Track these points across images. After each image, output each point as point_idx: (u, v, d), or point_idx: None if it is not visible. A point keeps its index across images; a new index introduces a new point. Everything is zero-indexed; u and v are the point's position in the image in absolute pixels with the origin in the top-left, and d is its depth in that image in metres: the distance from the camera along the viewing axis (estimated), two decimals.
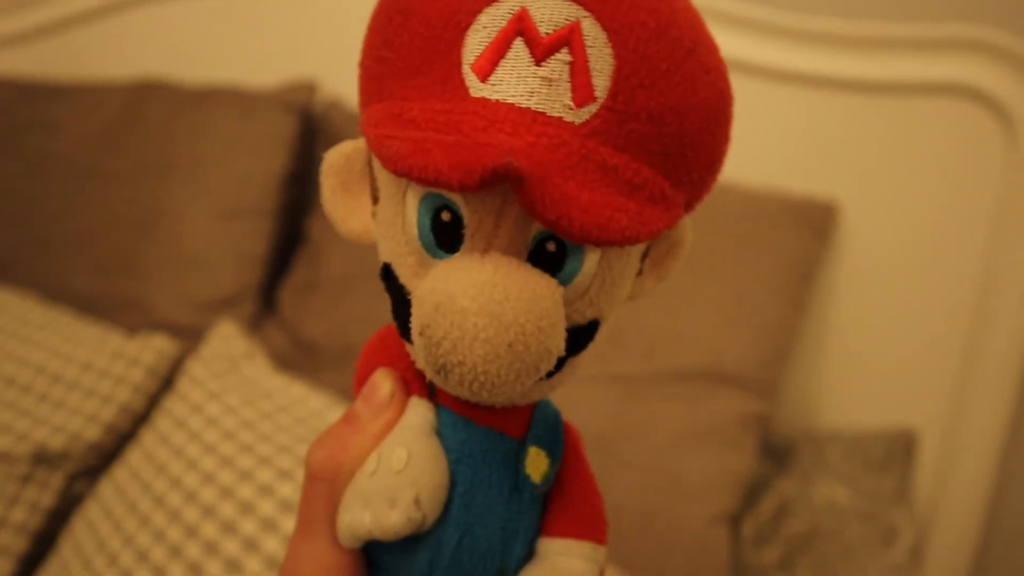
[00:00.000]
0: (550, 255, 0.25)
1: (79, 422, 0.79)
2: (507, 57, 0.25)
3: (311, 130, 1.06)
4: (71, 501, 0.80)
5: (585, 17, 0.25)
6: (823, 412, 0.97)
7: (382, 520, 0.25)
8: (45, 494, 0.79)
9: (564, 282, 0.26)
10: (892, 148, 0.89)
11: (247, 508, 0.65)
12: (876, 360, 0.94)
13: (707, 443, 0.80)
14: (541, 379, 0.26)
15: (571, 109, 0.25)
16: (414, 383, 0.28)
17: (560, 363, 0.26)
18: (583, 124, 0.25)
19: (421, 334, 0.24)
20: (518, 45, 0.25)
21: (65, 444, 0.78)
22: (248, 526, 0.64)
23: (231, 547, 0.63)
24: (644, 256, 0.29)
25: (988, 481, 0.91)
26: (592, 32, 0.25)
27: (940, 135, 0.87)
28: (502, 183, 0.22)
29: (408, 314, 0.26)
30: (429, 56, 0.25)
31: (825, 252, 0.91)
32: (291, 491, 0.65)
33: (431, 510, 0.26)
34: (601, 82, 0.25)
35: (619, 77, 0.25)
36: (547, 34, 0.24)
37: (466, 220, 0.25)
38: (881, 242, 0.91)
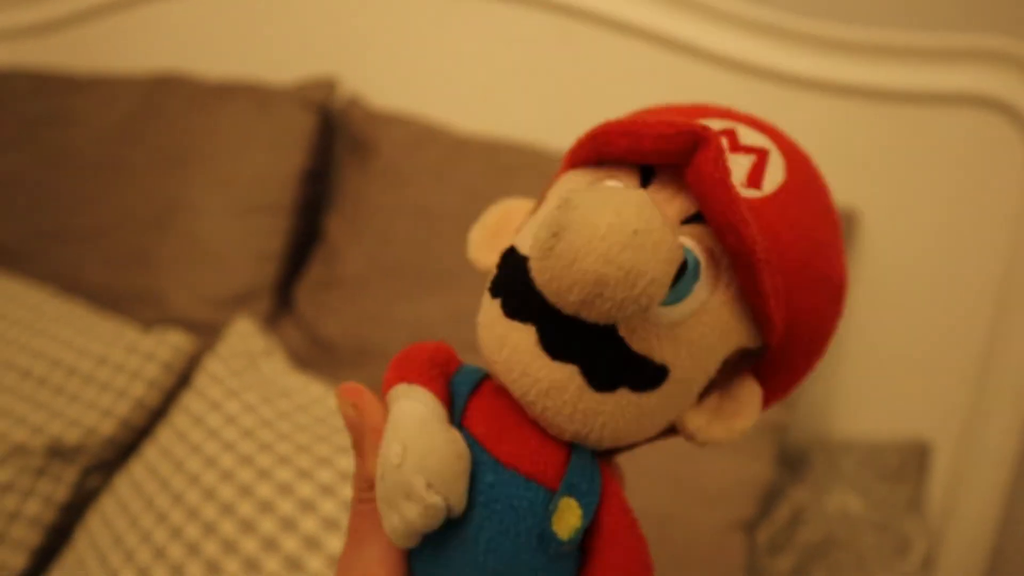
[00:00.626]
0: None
1: (94, 416, 0.79)
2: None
3: (330, 127, 1.06)
4: (85, 495, 0.80)
5: (773, 149, 0.30)
6: (837, 420, 0.97)
7: (406, 515, 0.26)
8: (59, 488, 0.79)
9: (669, 300, 0.26)
10: (911, 156, 0.89)
11: (266, 507, 0.65)
12: (891, 369, 0.94)
13: (725, 449, 0.79)
14: (640, 388, 0.26)
15: (743, 186, 0.28)
16: (442, 399, 0.28)
17: (615, 383, 0.26)
18: (764, 199, 0.28)
19: (553, 235, 0.24)
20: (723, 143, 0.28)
21: (80, 438, 0.78)
22: (267, 525, 0.64)
23: (250, 546, 0.63)
24: (717, 376, 0.28)
25: (1001, 492, 0.91)
26: (776, 161, 0.29)
27: (959, 144, 0.87)
28: (687, 151, 0.26)
29: (518, 278, 0.27)
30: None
31: None
32: (310, 491, 0.65)
33: (450, 489, 0.26)
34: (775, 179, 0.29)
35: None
36: (744, 144, 0.29)
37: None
38: (899, 251, 0.91)
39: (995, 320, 0.89)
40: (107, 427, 0.79)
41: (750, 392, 0.29)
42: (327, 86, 1.04)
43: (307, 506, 0.64)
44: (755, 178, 0.28)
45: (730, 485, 0.78)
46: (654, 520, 0.74)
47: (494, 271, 0.29)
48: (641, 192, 0.24)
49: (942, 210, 0.89)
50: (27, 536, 0.77)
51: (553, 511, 0.26)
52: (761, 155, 0.29)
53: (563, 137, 0.37)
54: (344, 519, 0.63)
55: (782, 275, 0.27)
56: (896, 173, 0.90)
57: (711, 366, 0.28)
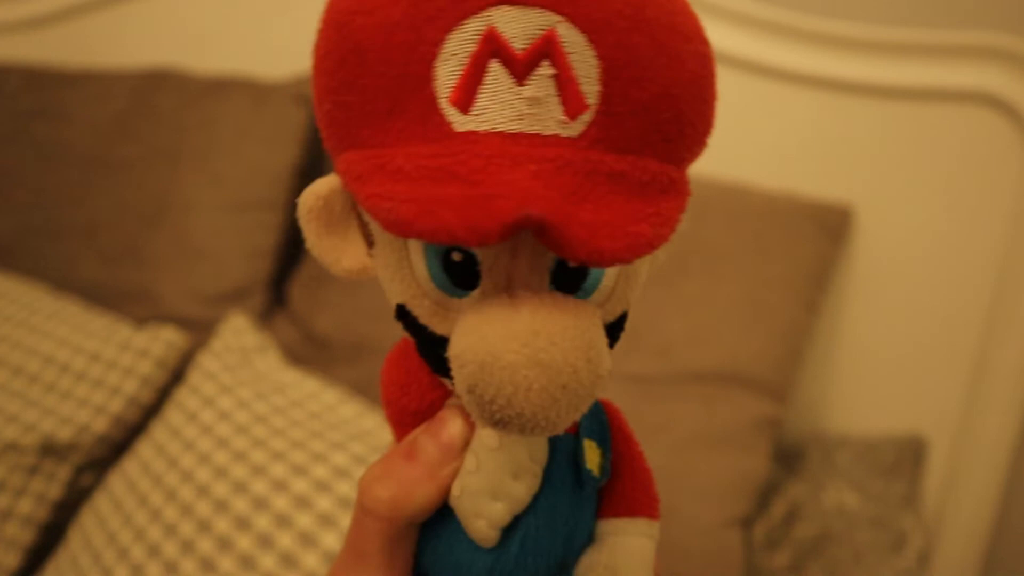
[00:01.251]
0: (572, 271, 0.25)
1: (87, 413, 0.79)
2: (485, 83, 0.23)
3: None
4: (78, 493, 0.79)
5: (559, 22, 0.23)
6: (833, 416, 0.97)
7: (514, 495, 0.26)
8: (52, 486, 0.78)
9: (591, 290, 0.25)
10: (908, 153, 0.89)
11: (260, 504, 0.64)
12: (886, 365, 0.94)
13: (722, 445, 0.79)
14: None
15: (565, 124, 0.23)
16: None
17: None
18: (580, 136, 0.23)
19: (470, 392, 0.23)
20: (494, 67, 0.23)
21: (73, 435, 0.78)
22: (261, 522, 0.63)
23: (244, 543, 0.63)
24: None
25: (997, 487, 0.91)
26: (569, 37, 0.23)
27: (956, 141, 0.87)
28: (521, 230, 0.21)
29: (436, 351, 0.25)
30: (399, 95, 0.23)
31: (839, 256, 0.91)
32: (305, 487, 0.65)
33: (543, 457, 0.26)
34: (590, 88, 0.23)
35: (608, 78, 0.23)
36: (523, 49, 0.23)
37: (480, 257, 0.24)
38: (895, 247, 0.91)
39: (991, 316, 0.89)
40: (100, 424, 0.79)
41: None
42: None
43: (302, 503, 0.64)
44: (571, 101, 0.23)
45: (726, 481, 0.78)
46: None
47: (366, 274, 0.28)
48: (548, 326, 0.23)
49: (938, 206, 0.89)
50: (20, 535, 0.76)
51: (582, 453, 0.27)
52: (555, 57, 0.23)
53: None
54: (339, 515, 0.63)
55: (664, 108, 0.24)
56: (893, 169, 0.90)
57: (648, 260, 0.28)
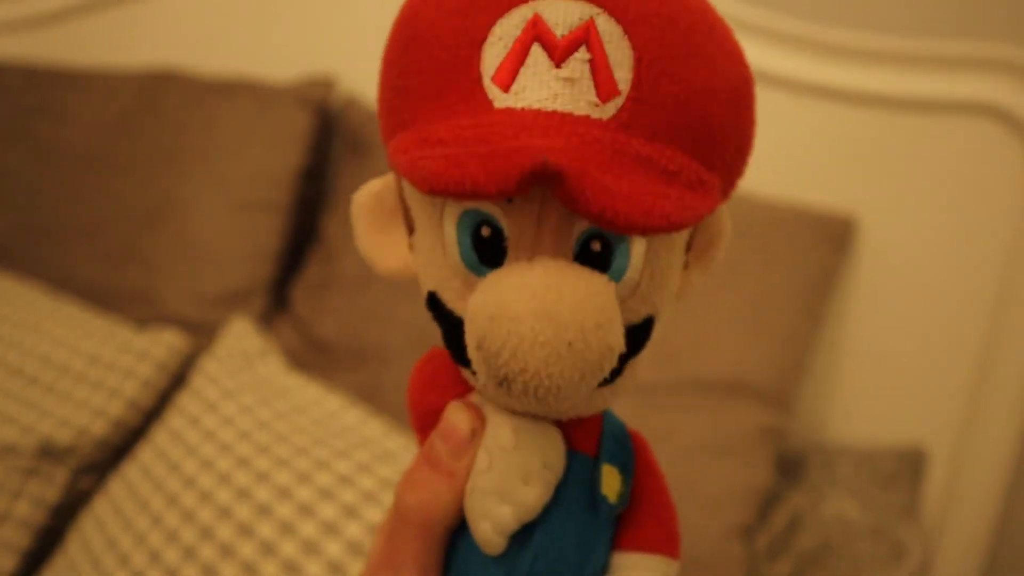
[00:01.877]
0: (596, 255, 0.25)
1: (86, 416, 0.78)
2: (526, 65, 0.25)
3: (327, 126, 1.05)
4: (76, 497, 0.79)
5: (598, 14, 0.25)
6: (833, 426, 0.97)
7: (523, 501, 0.26)
8: (50, 489, 0.78)
9: (615, 278, 0.25)
10: (911, 163, 0.89)
11: (264, 510, 0.64)
12: (888, 375, 0.94)
13: (724, 454, 0.79)
14: (604, 384, 0.25)
15: (597, 106, 0.24)
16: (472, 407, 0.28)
17: (621, 364, 0.26)
18: (611, 119, 0.24)
19: (478, 348, 0.24)
20: (536, 51, 0.25)
21: (71, 438, 0.77)
22: (265, 529, 0.63)
23: (247, 550, 0.62)
24: (688, 248, 0.29)
25: (996, 499, 0.91)
26: (607, 27, 0.25)
27: (959, 152, 0.87)
28: (540, 184, 0.22)
29: (461, 338, 0.25)
30: (448, 76, 0.25)
31: (842, 265, 0.91)
32: (308, 495, 0.64)
33: (558, 467, 0.26)
34: (623, 75, 0.25)
35: (640, 67, 0.25)
36: (563, 36, 0.25)
37: (507, 231, 0.25)
38: (897, 256, 0.91)
39: (992, 327, 0.89)
40: (99, 427, 0.78)
41: (713, 218, 0.29)
42: (325, 84, 1.03)
43: (306, 510, 0.63)
44: (604, 85, 0.25)
45: (729, 490, 0.78)
46: None
47: (407, 273, 0.29)
48: (559, 282, 0.23)
49: (941, 217, 0.89)
50: (15, 538, 0.75)
51: (599, 477, 0.27)
52: (592, 44, 0.25)
53: None
54: (342, 523, 0.63)
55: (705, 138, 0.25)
56: (896, 179, 0.90)
57: (678, 264, 0.27)
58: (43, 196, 1.03)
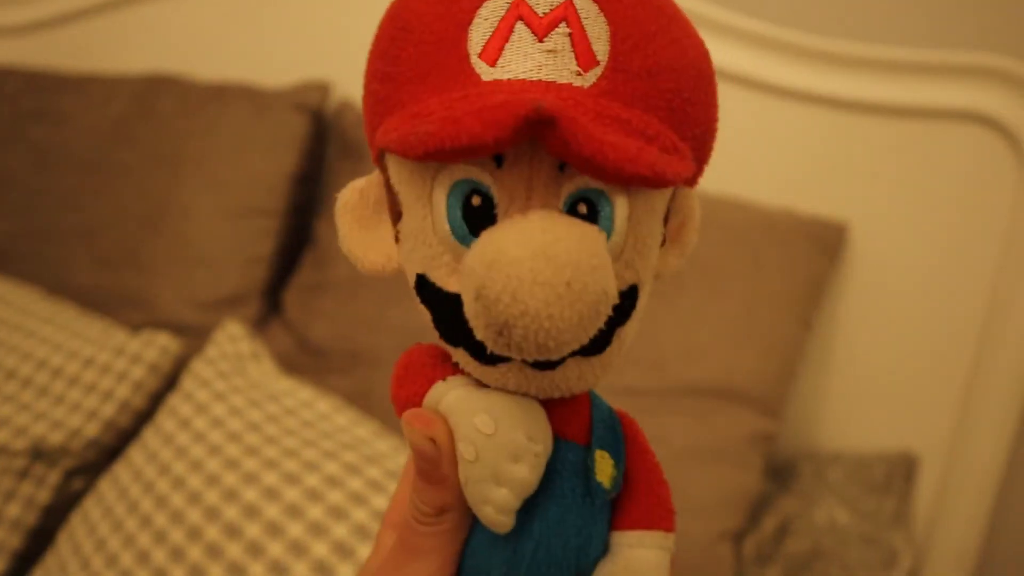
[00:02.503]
0: (582, 217, 0.26)
1: (79, 418, 0.78)
2: (511, 41, 0.26)
3: (323, 131, 1.05)
4: (68, 498, 0.79)
5: None
6: (825, 432, 0.97)
7: (516, 478, 0.26)
8: (41, 490, 0.78)
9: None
10: (904, 171, 0.90)
11: (252, 511, 0.64)
12: (879, 381, 0.94)
13: (714, 460, 0.79)
14: (593, 353, 0.26)
15: (579, 75, 0.26)
16: None
17: (609, 334, 0.27)
18: (592, 86, 0.26)
19: (477, 298, 0.24)
20: (520, 28, 0.26)
21: (64, 440, 0.77)
22: (252, 530, 0.63)
23: (235, 550, 0.63)
24: (664, 222, 0.29)
25: (987, 506, 0.91)
26: (584, 6, 0.26)
27: (952, 160, 0.88)
28: (534, 133, 0.23)
29: (451, 314, 0.26)
30: (436, 58, 0.26)
31: (834, 272, 0.91)
32: (296, 496, 0.65)
33: (544, 437, 0.27)
34: (601, 47, 0.26)
35: (616, 40, 0.26)
36: (544, 14, 0.26)
37: (497, 197, 0.26)
38: (889, 264, 0.92)
39: (983, 334, 0.89)
40: (92, 429, 0.78)
41: (684, 200, 0.30)
42: (320, 89, 1.04)
43: (293, 511, 0.64)
44: (584, 55, 0.26)
45: (719, 495, 0.78)
46: None
47: (389, 267, 0.30)
48: (554, 226, 0.24)
49: (933, 225, 0.90)
50: (7, 539, 0.75)
51: (592, 464, 0.28)
52: (571, 20, 0.26)
53: None
54: (330, 525, 0.63)
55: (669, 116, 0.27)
56: (888, 187, 0.91)
57: (658, 234, 0.28)
58: (40, 200, 1.03)
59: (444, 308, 0.27)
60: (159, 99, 1.05)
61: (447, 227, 0.26)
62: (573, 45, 0.26)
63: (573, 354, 0.26)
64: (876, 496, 0.89)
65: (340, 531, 0.62)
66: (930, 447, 0.93)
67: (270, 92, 1.03)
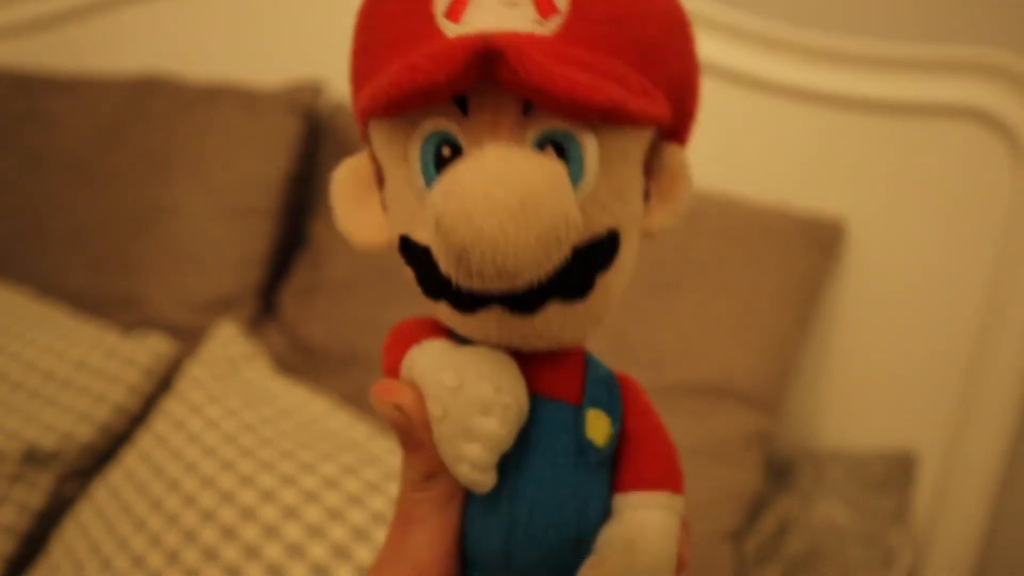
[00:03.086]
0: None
1: (71, 421, 0.78)
2: (473, 0, 0.26)
3: (315, 132, 1.05)
4: (61, 503, 0.78)
5: None
6: (823, 430, 0.97)
7: (487, 432, 0.25)
8: (34, 495, 0.77)
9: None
10: (900, 168, 0.90)
11: (248, 514, 0.63)
12: (877, 379, 0.94)
13: (713, 459, 0.79)
14: (576, 298, 0.26)
15: (540, 23, 0.26)
16: None
17: (591, 280, 0.26)
18: (554, 34, 0.26)
19: (437, 229, 0.24)
20: None
21: (56, 443, 0.77)
22: (249, 532, 0.63)
23: (231, 553, 0.62)
24: (647, 174, 0.29)
25: (986, 504, 0.91)
26: None
27: (948, 156, 0.88)
28: (487, 68, 0.23)
29: (430, 266, 0.26)
30: (405, 23, 0.27)
31: (831, 270, 0.91)
32: (292, 497, 0.64)
33: (515, 389, 0.26)
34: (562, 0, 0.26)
35: None
36: None
37: (464, 146, 0.26)
38: (886, 261, 0.91)
39: (981, 331, 0.89)
40: (85, 433, 0.78)
41: (672, 157, 0.29)
42: (313, 89, 1.03)
43: (290, 513, 0.63)
44: (544, 4, 0.26)
45: (717, 495, 0.78)
46: None
47: (381, 238, 0.29)
48: (509, 155, 0.24)
49: (930, 221, 0.89)
50: (0, 544, 0.75)
51: (583, 422, 0.27)
52: None
53: None
54: (327, 527, 0.62)
55: (636, 58, 0.26)
56: (884, 184, 0.90)
57: (637, 181, 0.28)
58: (32, 202, 1.03)
59: (423, 261, 0.27)
60: (150, 100, 1.04)
61: (421, 181, 0.26)
62: None
63: (553, 299, 0.26)
64: (875, 494, 0.89)
65: (338, 533, 0.62)
66: (929, 445, 0.93)
67: (262, 92, 1.03)
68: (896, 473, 0.91)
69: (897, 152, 0.89)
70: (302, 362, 0.90)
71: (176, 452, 0.69)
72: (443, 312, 0.28)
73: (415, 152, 0.26)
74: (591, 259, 0.26)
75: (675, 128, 0.29)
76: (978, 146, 0.86)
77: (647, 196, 0.29)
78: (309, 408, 0.73)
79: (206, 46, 1.12)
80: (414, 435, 0.27)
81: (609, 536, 0.27)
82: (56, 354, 0.82)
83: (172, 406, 0.74)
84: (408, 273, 0.28)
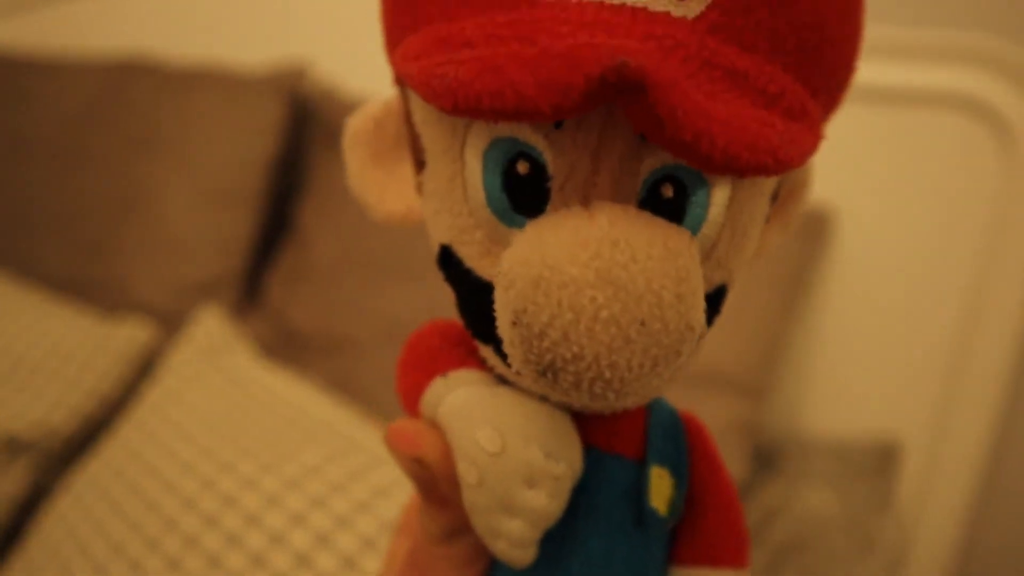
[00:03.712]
0: (667, 203, 0.19)
1: (44, 407, 0.76)
2: None
3: (300, 114, 1.03)
4: (37, 492, 0.77)
5: None
6: (809, 418, 0.97)
7: (532, 507, 0.20)
8: (6, 483, 0.75)
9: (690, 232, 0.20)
10: (889, 156, 0.89)
11: (230, 501, 0.62)
12: (863, 367, 0.94)
13: None
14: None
15: (680, 1, 0.19)
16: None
17: None
18: (699, 18, 0.19)
19: (515, 323, 0.18)
20: None
21: (30, 430, 0.75)
22: (231, 520, 0.62)
23: (212, 541, 0.61)
24: (773, 197, 0.23)
25: (971, 492, 0.92)
26: None
27: (937, 145, 0.87)
28: (611, 99, 0.16)
29: (481, 306, 0.20)
30: None
31: (818, 257, 0.91)
32: (273, 484, 0.63)
33: (569, 451, 0.21)
34: None
35: None
36: None
37: (551, 168, 0.19)
38: (874, 249, 0.91)
39: (967, 319, 0.89)
40: (59, 418, 0.76)
41: (802, 179, 0.24)
42: (298, 72, 1.02)
43: (272, 500, 0.62)
44: None
45: None
46: None
47: (411, 218, 0.24)
48: (630, 237, 0.17)
49: (918, 210, 0.89)
50: None
51: (646, 485, 0.22)
52: None
53: None
54: (309, 515, 0.61)
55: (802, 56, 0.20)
56: (872, 172, 0.90)
57: (761, 219, 0.22)
58: (12, 187, 1.01)
59: (471, 295, 0.21)
60: (130, 83, 1.02)
61: (482, 197, 0.20)
62: None
63: None
64: (860, 481, 0.89)
65: (320, 520, 0.61)
66: (914, 432, 0.93)
67: (246, 74, 1.01)
68: (881, 461, 0.91)
69: (886, 140, 0.89)
70: (287, 347, 0.89)
71: (156, 438, 0.68)
72: (487, 353, 0.22)
73: (475, 155, 0.20)
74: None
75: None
76: (967, 134, 0.86)
77: (767, 220, 0.23)
78: (292, 394, 0.72)
79: (189, 26, 1.10)
80: (438, 490, 0.22)
81: None
82: (29, 337, 0.80)
83: (152, 392, 0.73)
84: (416, 259, 0.23)
